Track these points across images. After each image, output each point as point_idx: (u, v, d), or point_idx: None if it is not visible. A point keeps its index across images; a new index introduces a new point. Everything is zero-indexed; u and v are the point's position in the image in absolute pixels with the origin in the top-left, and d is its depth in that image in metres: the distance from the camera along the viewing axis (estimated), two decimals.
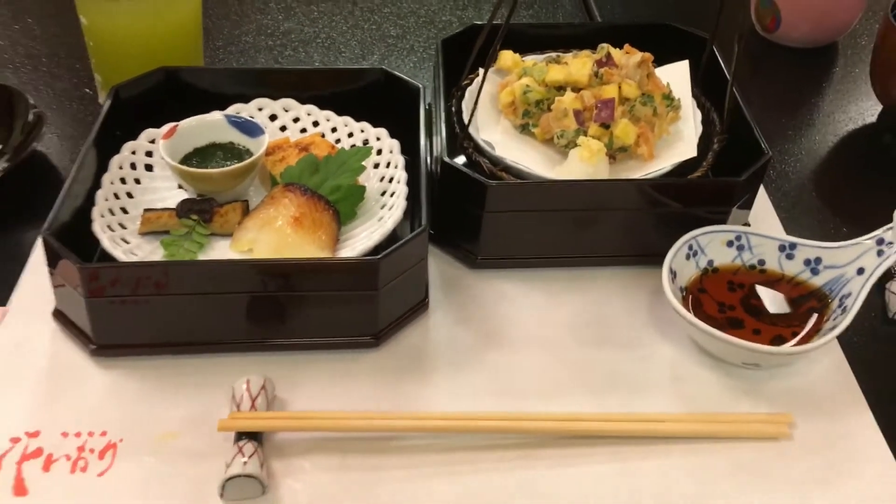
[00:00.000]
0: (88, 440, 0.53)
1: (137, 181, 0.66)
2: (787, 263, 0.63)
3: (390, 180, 0.66)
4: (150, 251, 0.61)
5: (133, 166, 0.66)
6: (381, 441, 0.53)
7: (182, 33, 0.75)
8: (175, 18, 0.73)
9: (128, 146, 0.66)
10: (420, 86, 0.69)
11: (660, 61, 0.72)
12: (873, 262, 0.60)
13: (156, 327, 0.57)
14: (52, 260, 0.56)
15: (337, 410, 0.55)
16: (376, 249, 0.59)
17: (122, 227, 0.62)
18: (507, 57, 0.74)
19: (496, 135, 0.70)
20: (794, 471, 0.53)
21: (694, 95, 0.73)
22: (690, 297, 0.62)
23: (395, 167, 0.67)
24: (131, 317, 0.56)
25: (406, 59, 0.90)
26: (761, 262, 0.64)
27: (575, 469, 0.52)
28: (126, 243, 0.60)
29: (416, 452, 0.53)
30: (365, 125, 0.71)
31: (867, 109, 0.85)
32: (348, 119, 0.71)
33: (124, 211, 0.63)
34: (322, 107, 0.72)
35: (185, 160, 0.65)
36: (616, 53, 0.70)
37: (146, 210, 0.63)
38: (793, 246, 0.63)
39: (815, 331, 0.60)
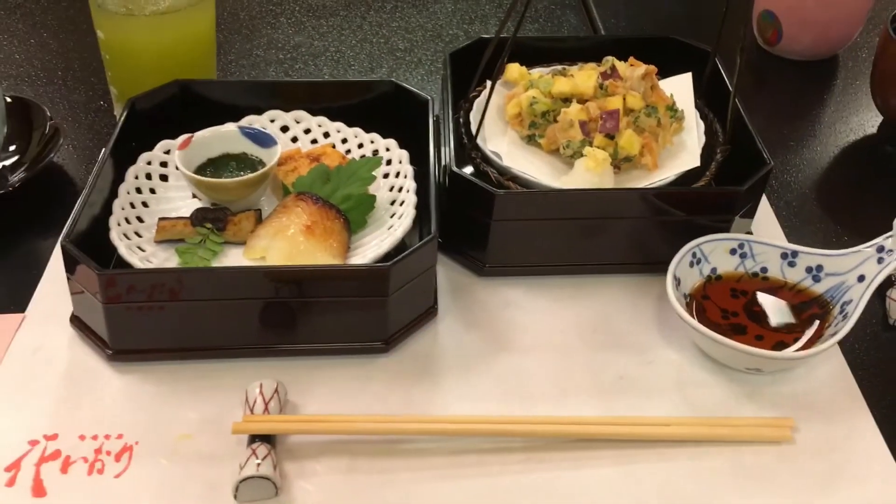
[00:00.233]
0: (105, 443, 0.54)
1: (153, 191, 0.67)
2: (789, 271, 0.65)
3: (399, 190, 0.68)
4: (165, 259, 0.62)
5: (148, 176, 0.68)
6: (390, 444, 0.55)
7: (196, 47, 0.77)
8: (189, 33, 0.75)
9: (143, 157, 0.68)
10: (428, 97, 0.71)
11: (663, 74, 0.74)
12: (874, 270, 0.61)
13: (171, 333, 0.58)
14: (71, 267, 0.57)
15: (348, 414, 0.56)
16: (386, 257, 0.61)
17: (138, 235, 0.63)
18: (513, 69, 0.75)
19: (503, 145, 0.71)
20: (796, 474, 0.54)
21: (697, 107, 0.74)
22: (694, 303, 0.63)
23: (405, 177, 0.68)
24: (147, 322, 0.57)
25: (414, 72, 0.91)
26: (764, 270, 0.65)
27: (581, 472, 0.54)
28: (142, 251, 0.62)
29: (426, 455, 0.54)
30: (375, 136, 0.72)
31: (868, 121, 0.86)
32: (358, 130, 0.73)
33: (140, 220, 0.65)
34: (333, 118, 0.73)
35: (200, 170, 0.66)
36: (620, 66, 0.72)
37: (161, 219, 0.64)
38: (795, 254, 0.64)
39: (817, 337, 0.61)
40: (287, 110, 0.73)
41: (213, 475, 0.52)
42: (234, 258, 0.63)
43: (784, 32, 0.92)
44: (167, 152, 0.69)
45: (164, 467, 0.53)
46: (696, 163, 0.68)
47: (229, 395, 0.56)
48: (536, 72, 0.76)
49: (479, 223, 0.65)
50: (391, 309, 0.59)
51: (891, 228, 0.62)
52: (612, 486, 0.53)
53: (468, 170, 0.70)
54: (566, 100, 0.71)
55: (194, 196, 0.67)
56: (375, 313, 0.59)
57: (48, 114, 0.77)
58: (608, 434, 0.55)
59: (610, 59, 0.72)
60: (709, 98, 0.76)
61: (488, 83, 0.71)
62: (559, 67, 0.76)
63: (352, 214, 0.65)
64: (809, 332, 0.61)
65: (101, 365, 0.59)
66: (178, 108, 0.72)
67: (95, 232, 0.61)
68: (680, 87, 0.75)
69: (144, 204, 0.66)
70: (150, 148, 0.69)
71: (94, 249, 0.58)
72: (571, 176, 0.67)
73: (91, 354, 0.59)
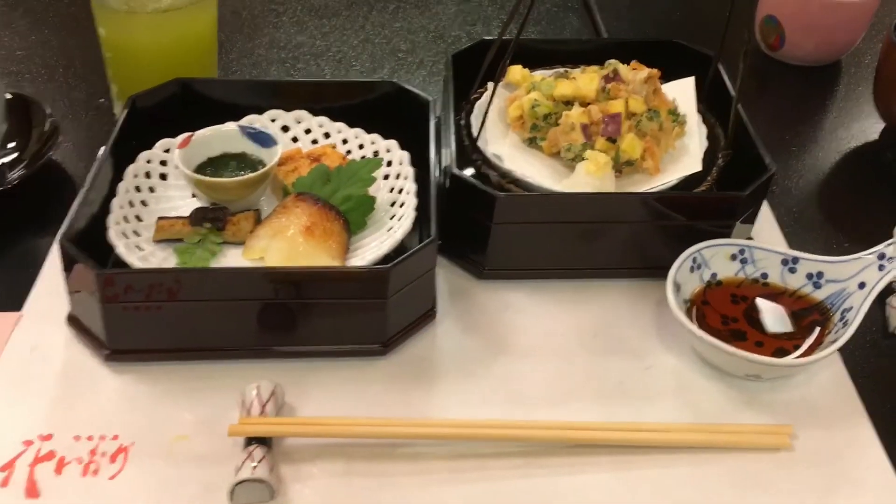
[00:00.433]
0: (100, 444, 0.54)
1: (152, 189, 0.67)
2: (789, 277, 0.64)
3: (400, 191, 0.68)
4: (164, 258, 0.62)
5: (148, 175, 0.67)
6: (388, 448, 0.54)
7: (198, 46, 0.76)
8: (192, 31, 0.75)
9: (143, 155, 0.67)
10: (430, 99, 0.71)
11: (666, 77, 0.74)
12: (874, 277, 0.61)
13: (168, 333, 0.58)
14: (68, 265, 0.57)
15: (345, 417, 0.56)
16: (386, 259, 0.60)
17: (137, 234, 0.63)
18: (515, 72, 0.75)
19: (504, 148, 0.71)
20: (794, 481, 0.54)
21: (699, 111, 0.74)
22: (694, 309, 0.63)
23: (405, 179, 0.68)
24: (145, 323, 0.57)
25: (416, 73, 0.91)
26: (764, 276, 0.65)
27: (579, 477, 0.53)
28: (140, 250, 0.62)
29: (423, 459, 0.54)
30: (375, 137, 0.72)
31: (869, 127, 0.86)
32: (359, 131, 0.72)
33: (139, 219, 0.64)
34: (334, 119, 0.73)
35: (200, 169, 0.66)
36: (623, 69, 0.72)
37: (160, 218, 0.64)
38: (795, 260, 0.64)
39: (817, 344, 0.61)
40: (288, 110, 0.73)
41: (208, 477, 0.52)
42: (233, 258, 0.63)
43: (787, 38, 0.92)
44: (167, 151, 0.69)
45: (159, 469, 0.53)
46: (698, 167, 0.68)
47: (226, 396, 0.56)
48: (538, 74, 0.76)
49: (479, 226, 0.65)
50: (390, 311, 0.58)
51: (892, 236, 0.61)
52: (610, 491, 0.53)
53: (469, 172, 0.69)
54: (568, 103, 0.71)
55: (193, 195, 0.66)
56: (374, 316, 0.58)
57: (48, 111, 0.77)
58: (607, 439, 0.55)
59: (613, 63, 0.72)
60: (711, 102, 0.76)
61: (490, 85, 0.71)
62: (561, 70, 0.76)
63: (352, 216, 0.65)
64: (809, 339, 0.61)
65: (98, 365, 0.58)
66: (178, 107, 0.72)
67: (94, 231, 0.60)
68: (682, 92, 0.75)
69: (143, 203, 0.66)
70: (150, 146, 0.68)
71: (93, 248, 0.58)
72: (572, 179, 0.67)
73: (88, 354, 0.59)
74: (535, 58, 0.78)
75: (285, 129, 0.73)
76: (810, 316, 0.63)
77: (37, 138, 0.75)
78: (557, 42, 0.87)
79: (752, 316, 0.63)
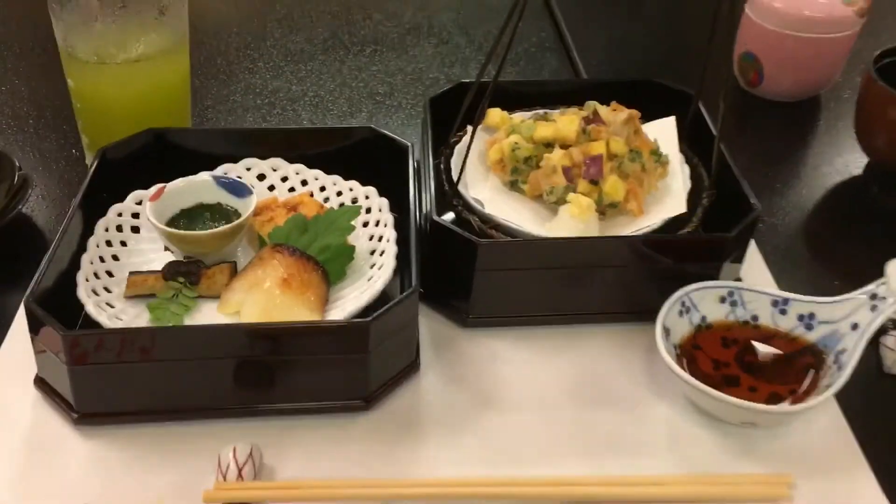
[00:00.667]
0: None
1: (124, 244, 0.65)
2: (780, 319, 0.63)
3: (379, 239, 0.66)
4: (136, 315, 0.60)
5: (119, 228, 0.65)
6: None
7: (170, 95, 0.75)
8: (163, 81, 0.73)
9: (114, 208, 0.65)
10: (408, 143, 0.69)
11: (646, 117, 0.73)
12: (867, 318, 0.59)
13: (140, 394, 0.55)
14: (35, 327, 0.55)
15: (327, 479, 0.53)
16: (366, 310, 0.59)
17: (108, 290, 0.61)
18: (494, 114, 0.74)
19: (485, 192, 0.70)
20: None
21: (681, 151, 0.73)
22: (684, 354, 0.61)
23: (385, 226, 0.66)
24: (115, 384, 0.54)
25: (394, 117, 0.90)
26: (755, 318, 0.63)
27: None
28: (111, 307, 0.59)
29: None
30: (354, 184, 0.70)
31: (853, 162, 0.86)
32: (336, 178, 0.71)
33: (110, 274, 0.62)
34: (311, 166, 0.72)
35: (173, 222, 0.64)
36: (603, 110, 0.71)
37: (132, 273, 0.62)
38: (786, 301, 0.63)
39: (812, 387, 0.59)
40: (264, 158, 0.71)
41: None
42: (207, 313, 0.61)
43: (765, 73, 0.91)
44: (139, 203, 0.67)
45: None
46: (683, 209, 0.67)
47: (202, 459, 0.54)
48: (518, 116, 0.75)
49: (461, 273, 0.63)
50: (371, 365, 0.56)
51: (882, 273, 0.60)
52: None
53: (449, 217, 0.68)
54: (549, 145, 0.70)
55: (167, 249, 0.65)
56: (355, 370, 0.56)
57: (17, 163, 0.75)
58: (599, 495, 0.53)
59: (592, 104, 0.71)
60: (692, 141, 0.75)
61: (469, 128, 0.70)
62: (541, 112, 0.75)
63: (330, 266, 0.63)
64: (804, 383, 0.60)
65: (67, 429, 0.56)
66: (151, 158, 0.70)
67: (63, 288, 0.58)
68: (664, 131, 0.74)
69: (115, 257, 0.64)
70: (122, 199, 0.67)
71: (62, 306, 0.56)
72: (556, 223, 0.66)
73: (56, 418, 0.56)
74: (514, 99, 0.77)
75: (261, 177, 0.71)
76: (803, 358, 0.61)
77: (5, 191, 0.73)
78: (536, 84, 0.86)
79: (745, 360, 0.61)
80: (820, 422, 0.59)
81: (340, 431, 0.56)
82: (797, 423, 0.59)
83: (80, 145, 0.80)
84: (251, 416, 0.57)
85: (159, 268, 0.62)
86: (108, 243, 0.64)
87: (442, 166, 0.71)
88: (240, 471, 0.51)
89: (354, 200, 0.70)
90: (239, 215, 0.64)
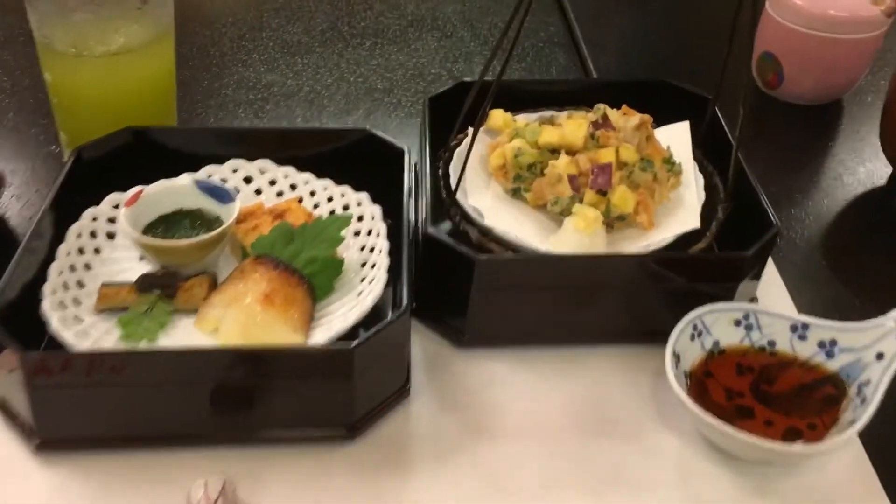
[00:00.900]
0: None
1: (97, 251, 0.61)
2: (799, 345, 0.59)
3: (371, 250, 0.62)
4: (106, 331, 0.56)
5: (93, 235, 0.61)
6: None
7: (153, 90, 0.71)
8: (145, 75, 0.69)
9: (88, 213, 0.61)
10: (404, 148, 0.65)
11: (658, 121, 0.68)
12: (894, 347, 0.55)
13: (106, 420, 0.51)
14: None
15: None
16: (356, 328, 0.55)
17: (78, 303, 0.57)
18: (497, 116, 0.70)
19: (486, 200, 0.65)
20: None
21: (695, 158, 0.69)
22: (696, 382, 0.57)
23: (377, 236, 0.62)
24: (79, 409, 0.50)
25: (393, 115, 0.86)
26: (771, 344, 0.59)
27: None
28: (80, 322, 0.55)
29: None
30: (346, 189, 0.66)
31: (876, 171, 0.81)
32: (328, 182, 0.67)
33: (80, 285, 0.58)
34: (301, 168, 0.67)
35: (150, 229, 0.60)
36: (613, 115, 0.66)
37: (104, 284, 0.58)
38: (805, 326, 0.58)
39: (832, 421, 0.55)
40: (251, 159, 0.67)
41: None
42: (184, 329, 0.57)
43: (785, 75, 0.87)
44: (116, 207, 0.62)
45: None
46: (697, 223, 0.62)
47: (172, 492, 0.49)
48: (522, 118, 0.71)
49: (457, 289, 0.59)
50: (357, 391, 0.52)
51: None
52: None
53: (447, 227, 0.64)
54: (554, 151, 0.66)
55: (143, 258, 0.60)
56: (339, 397, 0.52)
57: None
58: None
59: (601, 108, 0.67)
60: (706, 148, 0.70)
61: (470, 131, 0.66)
62: (547, 114, 0.70)
63: (317, 279, 0.59)
64: (824, 417, 0.55)
65: (27, 457, 0.52)
66: (130, 158, 0.66)
67: (30, 300, 0.54)
68: (677, 137, 0.69)
69: (87, 266, 0.60)
70: (98, 202, 0.62)
71: (29, 320, 0.52)
72: (560, 236, 0.61)
73: (16, 444, 0.52)
74: (519, 100, 0.72)
75: (248, 180, 0.67)
76: (823, 388, 0.57)
77: None
78: (542, 83, 0.82)
79: (760, 389, 0.57)
80: (841, 459, 0.55)
81: (322, 463, 0.52)
82: (816, 461, 0.54)
83: (60, 142, 0.76)
84: (227, 444, 0.53)
85: (135, 278, 0.58)
86: (81, 251, 0.60)
87: (440, 171, 0.67)
88: None
89: (346, 207, 0.65)
90: (221, 223, 0.60)
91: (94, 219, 0.61)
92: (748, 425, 0.54)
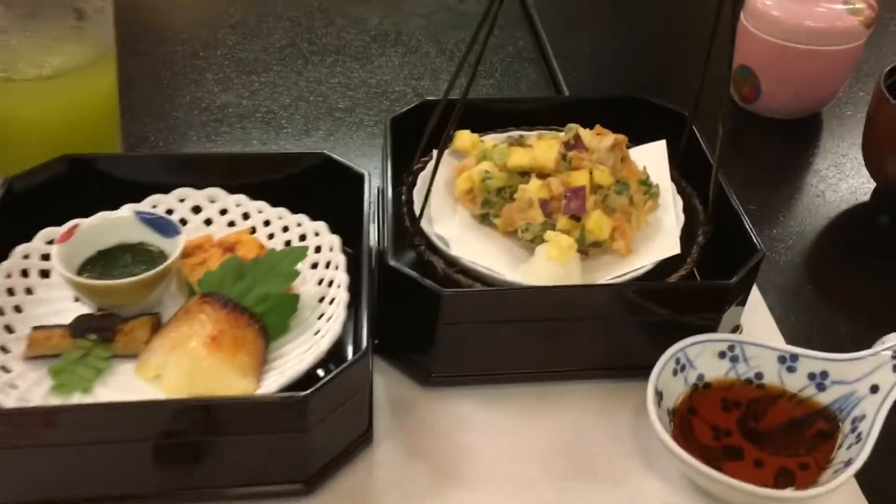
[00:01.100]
0: None
1: (29, 291, 0.56)
2: (788, 377, 0.55)
3: (329, 284, 0.57)
4: (36, 381, 0.51)
5: (25, 273, 0.56)
6: None
7: (92, 115, 0.66)
8: (83, 99, 0.64)
9: (19, 250, 0.56)
10: (364, 172, 0.61)
11: (632, 139, 0.65)
12: (890, 380, 0.52)
13: (37, 483, 0.46)
14: None
15: None
16: (312, 371, 0.50)
17: (5, 350, 0.52)
18: (463, 137, 0.66)
19: (452, 228, 0.61)
20: None
21: (673, 179, 0.65)
22: (680, 419, 0.53)
23: (336, 268, 0.58)
24: (6, 471, 0.45)
25: (354, 136, 0.81)
26: (759, 376, 0.55)
27: None
28: (6, 372, 0.50)
29: None
30: (302, 218, 0.62)
31: (859, 188, 0.78)
32: (283, 211, 0.62)
33: (9, 330, 0.53)
34: (254, 196, 0.63)
35: (88, 265, 0.55)
36: (586, 135, 0.62)
37: (35, 328, 0.53)
38: (794, 357, 0.55)
39: (826, 460, 0.51)
40: (200, 187, 0.63)
41: None
42: (123, 377, 0.52)
43: (762, 89, 0.84)
44: (50, 243, 0.58)
45: None
46: (676, 249, 0.59)
47: None
48: (490, 139, 0.67)
49: (422, 325, 0.55)
50: (312, 442, 0.48)
51: None
52: None
53: (411, 257, 0.60)
54: (524, 174, 0.62)
55: (78, 299, 0.55)
56: (292, 449, 0.48)
57: None
58: None
59: (574, 128, 0.63)
60: (684, 168, 0.67)
61: (435, 153, 0.61)
62: (516, 135, 0.67)
63: (270, 318, 0.54)
64: (816, 455, 0.52)
65: None
66: (67, 189, 0.60)
67: None
68: (653, 157, 0.66)
69: (17, 309, 0.55)
70: (31, 238, 0.57)
71: None
72: (531, 266, 0.57)
73: None
74: (486, 119, 0.69)
75: (197, 210, 0.62)
76: (815, 424, 0.53)
77: None
78: (511, 101, 0.78)
79: (748, 427, 0.53)
80: (837, 501, 0.51)
81: None
82: None
83: None
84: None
85: (70, 320, 0.53)
86: (10, 292, 0.55)
87: (403, 197, 0.63)
88: None
89: (302, 237, 0.61)
90: (165, 257, 0.56)
91: (26, 256, 0.57)
92: (737, 468, 0.50)
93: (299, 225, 0.62)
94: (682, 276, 0.57)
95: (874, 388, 0.52)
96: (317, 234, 0.61)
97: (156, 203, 0.61)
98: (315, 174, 0.63)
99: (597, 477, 0.52)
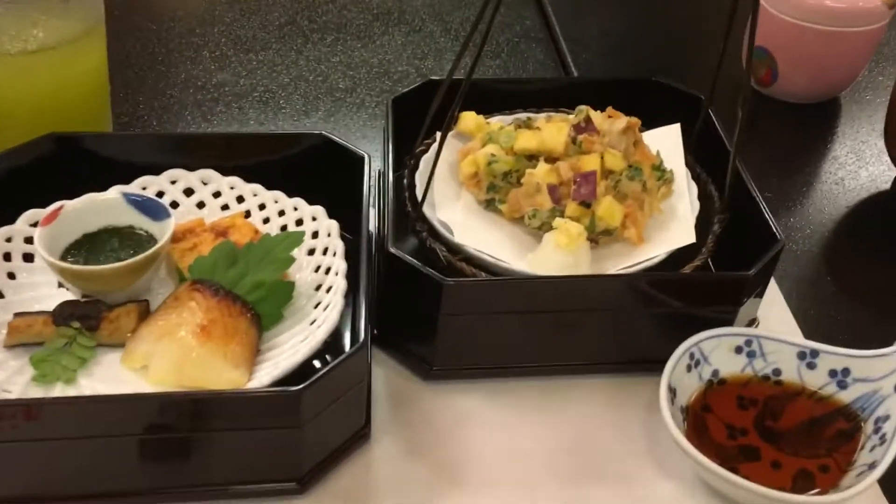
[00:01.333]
0: None
1: (11, 276, 0.53)
2: (808, 374, 0.52)
3: (327, 271, 0.55)
4: (17, 370, 0.48)
5: (7, 257, 0.54)
6: None
7: (80, 92, 0.63)
8: (70, 76, 0.61)
9: (1, 233, 0.54)
10: (365, 154, 0.58)
11: (645, 123, 0.62)
12: None
13: (17, 479, 0.44)
14: None
15: None
16: (307, 363, 0.48)
17: None
18: (468, 119, 0.63)
19: (456, 213, 0.58)
20: None
21: (688, 165, 0.62)
22: (693, 418, 0.50)
23: (334, 255, 0.55)
24: None
25: (355, 117, 0.78)
26: (776, 373, 0.53)
27: None
28: None
29: None
30: (299, 202, 0.59)
31: (880, 175, 0.75)
32: (279, 194, 0.60)
33: None
34: (249, 179, 0.60)
35: (72, 250, 0.53)
36: (597, 117, 0.60)
37: (17, 315, 0.50)
38: (815, 353, 0.52)
39: (847, 462, 0.49)
40: (192, 168, 0.60)
41: None
42: (108, 367, 0.50)
43: (779, 72, 0.80)
44: (35, 225, 0.55)
45: None
46: (691, 238, 0.56)
47: None
48: (496, 121, 0.64)
49: (424, 315, 0.52)
50: (307, 439, 0.45)
51: None
52: None
53: (412, 244, 0.57)
54: (532, 157, 0.59)
55: (62, 285, 0.53)
56: (286, 446, 0.45)
57: None
58: None
59: (584, 109, 0.60)
60: (699, 153, 0.64)
61: (438, 135, 0.59)
62: (523, 117, 0.64)
63: (263, 307, 0.52)
64: (837, 456, 0.49)
65: None
66: (54, 169, 0.58)
67: None
68: (667, 142, 0.63)
69: None
70: (14, 220, 0.55)
71: None
72: (539, 254, 0.55)
73: None
74: (493, 100, 0.66)
75: (188, 192, 0.60)
76: (836, 423, 0.51)
77: None
78: (518, 82, 0.75)
79: (765, 426, 0.51)
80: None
81: None
82: None
83: None
84: (160, 502, 0.46)
85: (53, 307, 0.51)
86: None
87: (405, 181, 0.60)
88: None
89: (299, 222, 0.58)
90: (154, 242, 0.53)
91: (9, 239, 0.54)
92: (754, 469, 0.48)
93: (296, 209, 0.59)
94: (696, 267, 0.55)
95: None
96: (314, 219, 0.58)
97: (145, 185, 0.58)
98: (313, 156, 0.60)
99: (605, 477, 0.49)
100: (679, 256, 0.56)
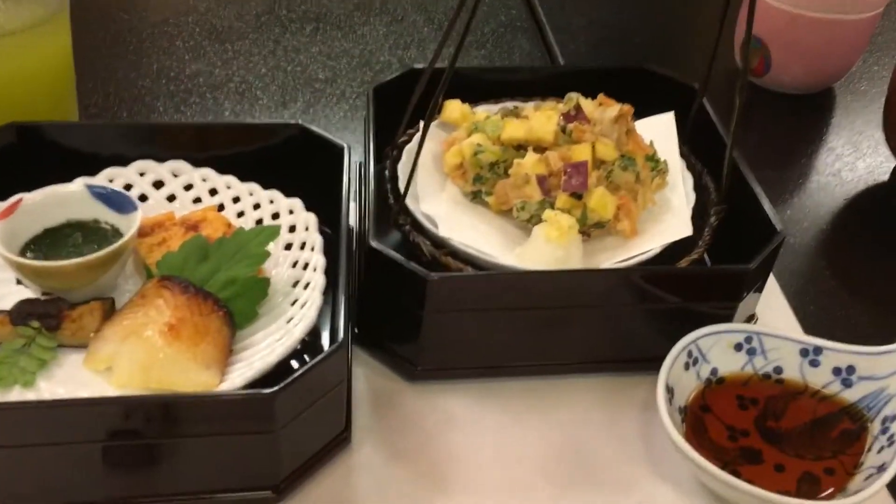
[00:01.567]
0: None
1: None
2: (810, 372, 0.50)
3: (304, 267, 0.52)
4: None
5: None
6: None
7: (42, 81, 0.60)
8: (33, 61, 0.58)
9: None
10: (344, 145, 0.55)
11: (636, 113, 0.59)
12: None
13: None
14: None
15: None
16: (283, 363, 0.45)
17: None
18: (453, 107, 0.60)
19: (440, 206, 0.56)
20: None
21: (682, 155, 0.60)
22: (692, 418, 0.48)
23: (311, 249, 0.52)
24: None
25: (335, 108, 0.76)
26: (778, 371, 0.50)
27: None
28: None
29: None
30: (275, 194, 0.56)
31: (877, 167, 0.73)
32: (254, 186, 0.57)
33: None
34: (223, 170, 0.57)
35: (31, 245, 0.49)
36: (587, 105, 0.57)
37: None
38: (818, 350, 0.50)
39: (853, 464, 0.46)
40: (162, 160, 0.57)
41: None
42: (70, 369, 0.46)
43: (772, 61, 0.78)
44: None
45: None
46: (688, 231, 0.53)
47: None
48: (482, 111, 0.61)
49: (407, 312, 0.49)
50: (282, 444, 0.42)
51: None
52: None
53: (395, 238, 0.54)
54: (520, 147, 0.56)
55: (20, 282, 0.50)
56: (260, 452, 0.42)
57: None
58: None
59: (574, 97, 0.57)
60: (693, 143, 0.61)
61: (421, 124, 0.56)
62: (510, 106, 0.61)
63: (237, 304, 0.49)
64: (843, 458, 0.47)
65: None
66: (14, 160, 0.55)
67: None
68: (660, 131, 0.61)
69: None
70: None
71: None
72: (528, 248, 0.52)
73: None
74: (478, 90, 0.63)
75: (158, 185, 0.57)
76: (840, 423, 0.48)
77: None
78: (504, 71, 0.72)
79: (767, 426, 0.48)
80: None
81: None
82: None
83: None
84: None
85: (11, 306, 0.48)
86: None
87: (387, 173, 0.57)
88: None
89: (275, 215, 0.55)
90: (120, 236, 0.50)
91: None
92: (756, 472, 0.46)
93: (272, 202, 0.56)
94: (693, 261, 0.52)
95: None
96: (291, 213, 0.55)
97: (112, 177, 0.55)
98: (290, 147, 0.58)
99: (600, 482, 0.47)
100: (674, 250, 0.53)
